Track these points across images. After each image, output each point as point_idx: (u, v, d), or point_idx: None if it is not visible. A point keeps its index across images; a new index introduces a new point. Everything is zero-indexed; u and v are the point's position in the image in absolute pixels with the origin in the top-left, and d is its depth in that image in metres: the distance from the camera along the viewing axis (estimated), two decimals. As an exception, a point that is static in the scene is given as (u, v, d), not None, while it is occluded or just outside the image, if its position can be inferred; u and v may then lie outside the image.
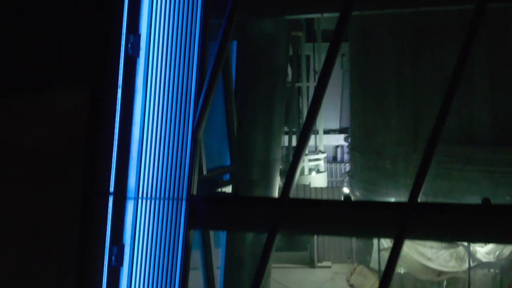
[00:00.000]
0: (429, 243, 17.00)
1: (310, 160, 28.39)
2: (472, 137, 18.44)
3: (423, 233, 11.73)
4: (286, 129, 27.48)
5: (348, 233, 14.33)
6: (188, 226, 12.89)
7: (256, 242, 15.04)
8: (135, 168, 13.11)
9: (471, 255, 15.63)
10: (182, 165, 12.94)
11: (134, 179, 13.12)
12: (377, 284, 21.83)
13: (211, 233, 17.37)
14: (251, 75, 14.34)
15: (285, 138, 27.89)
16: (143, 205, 13.12)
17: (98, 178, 12.87)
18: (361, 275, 20.79)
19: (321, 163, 29.06)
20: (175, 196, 12.96)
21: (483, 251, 15.70)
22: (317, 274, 24.82)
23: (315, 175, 28.11)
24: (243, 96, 14.71)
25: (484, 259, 15.90)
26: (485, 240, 11.86)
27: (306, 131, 12.27)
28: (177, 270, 12.98)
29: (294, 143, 28.18)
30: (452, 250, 16.22)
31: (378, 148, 21.07)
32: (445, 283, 17.40)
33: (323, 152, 29.11)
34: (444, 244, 16.76)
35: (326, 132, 33.27)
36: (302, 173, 28.36)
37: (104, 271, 13.09)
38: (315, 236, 25.82)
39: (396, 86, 20.03)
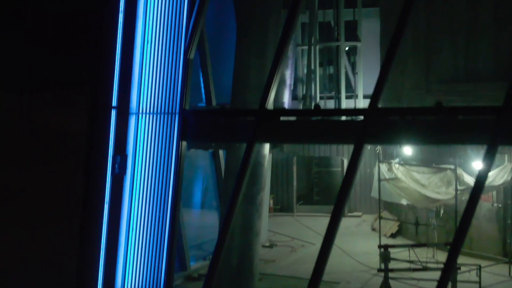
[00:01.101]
0: (421, 169, 17.83)
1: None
2: (478, 74, 19.00)
3: (383, 137, 12.67)
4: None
5: (318, 140, 15.28)
6: (180, 137, 14.35)
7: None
8: (136, 87, 14.71)
9: (458, 179, 16.30)
10: (176, 83, 14.40)
11: (136, 97, 14.74)
12: (394, 227, 22.77)
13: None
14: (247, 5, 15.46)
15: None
16: (143, 119, 14.70)
17: (103, 95, 14.50)
18: (383, 221, 21.73)
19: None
20: (170, 110, 14.46)
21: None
22: (347, 221, 25.88)
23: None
24: (240, 24, 15.90)
25: (472, 184, 16.46)
26: (440, 141, 12.60)
27: (282, 43, 13.41)
28: (171, 177, 14.46)
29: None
30: (441, 175, 16.95)
31: (398, 95, 21.79)
32: (441, 211, 18.17)
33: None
34: (433, 170, 17.53)
35: (366, 97, 33.74)
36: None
37: (108, 179, 14.79)
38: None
39: (412, 31, 20.65)
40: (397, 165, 17.51)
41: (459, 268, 15.34)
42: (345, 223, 26.34)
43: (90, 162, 14.62)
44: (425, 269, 15.67)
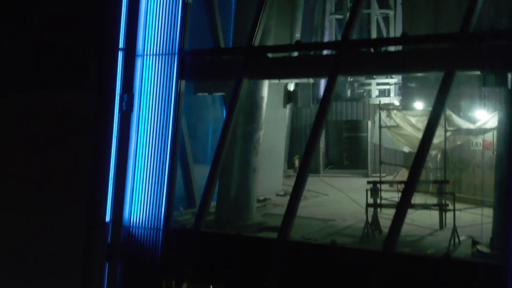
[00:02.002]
0: (415, 113, 18.45)
1: (378, 84, 29.70)
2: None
3: (355, 69, 13.56)
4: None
5: (295, 75, 16.10)
6: (179, 77, 15.65)
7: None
8: (142, 30, 16.10)
9: (447, 119, 16.81)
10: (175, 25, 15.70)
11: (141, 40, 16.14)
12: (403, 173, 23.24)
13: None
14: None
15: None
16: (147, 61, 16.08)
17: (112, 38, 15.95)
18: (401, 176, 22.38)
19: (391, 87, 30.19)
20: (171, 51, 15.77)
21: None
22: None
23: (383, 99, 29.35)
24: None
25: (464, 126, 17.02)
26: (406, 70, 13.31)
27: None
28: (171, 114, 15.79)
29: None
30: None
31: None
32: (439, 156, 18.72)
33: (392, 77, 30.15)
34: (423, 112, 18.12)
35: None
36: (369, 95, 29.93)
37: (116, 116, 16.24)
38: (369, 155, 27.69)
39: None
40: (395, 111, 18.28)
41: (447, 205, 16.08)
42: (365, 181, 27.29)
43: (100, 101, 16.13)
44: (413, 206, 16.42)
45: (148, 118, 16.18)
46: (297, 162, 28.35)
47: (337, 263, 13.23)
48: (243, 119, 16.51)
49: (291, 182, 24.68)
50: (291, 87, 21.57)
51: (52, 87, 15.93)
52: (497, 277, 11.36)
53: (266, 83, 16.63)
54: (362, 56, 13.38)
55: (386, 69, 13.51)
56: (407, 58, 12.84)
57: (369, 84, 29.70)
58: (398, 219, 12.66)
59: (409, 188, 12.68)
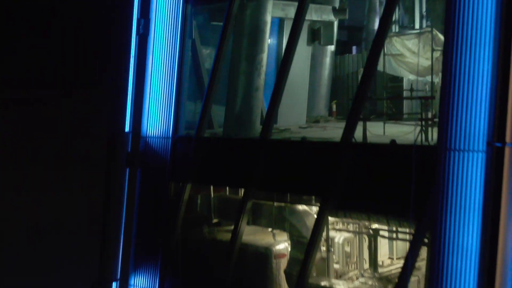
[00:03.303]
0: (408, 36, 19.40)
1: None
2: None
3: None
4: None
5: None
6: (185, 1, 17.62)
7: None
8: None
9: (434, 39, 17.69)
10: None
11: None
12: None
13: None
14: None
15: None
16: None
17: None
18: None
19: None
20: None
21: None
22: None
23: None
24: None
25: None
26: None
27: None
28: (178, 36, 17.76)
29: None
30: (424, 37, 18.43)
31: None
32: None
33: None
34: (416, 33, 19.03)
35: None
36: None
37: (133, 38, 18.40)
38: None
39: None
40: (395, 38, 19.41)
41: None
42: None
43: (118, 25, 18.34)
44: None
45: (161, 40, 18.23)
46: (334, 107, 29.71)
47: (306, 155, 14.88)
48: (246, 42, 18.29)
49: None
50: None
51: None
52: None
53: (269, 10, 18.32)
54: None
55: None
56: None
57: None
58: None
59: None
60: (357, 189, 13.98)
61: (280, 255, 16.07)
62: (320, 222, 14.42)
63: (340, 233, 16.86)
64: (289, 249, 16.12)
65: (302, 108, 24.41)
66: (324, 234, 15.89)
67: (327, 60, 25.90)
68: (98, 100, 18.58)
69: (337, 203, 14.22)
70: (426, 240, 12.89)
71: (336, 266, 16.57)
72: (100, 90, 18.50)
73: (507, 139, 11.33)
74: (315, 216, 14.89)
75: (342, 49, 30.01)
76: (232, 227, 16.10)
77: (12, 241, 18.08)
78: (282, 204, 16.22)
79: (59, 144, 18.46)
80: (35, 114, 17.98)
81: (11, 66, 17.75)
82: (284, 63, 16.03)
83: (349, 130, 14.09)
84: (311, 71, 24.39)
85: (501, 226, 11.45)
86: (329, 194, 14.19)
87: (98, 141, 18.52)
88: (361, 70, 21.99)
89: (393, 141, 13.54)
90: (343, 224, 16.75)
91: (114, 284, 18.77)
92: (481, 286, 11.52)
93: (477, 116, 11.89)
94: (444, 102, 12.41)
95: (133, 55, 18.39)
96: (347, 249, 16.73)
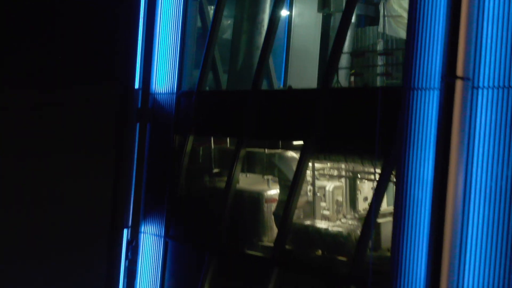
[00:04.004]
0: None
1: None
2: None
3: None
4: None
5: None
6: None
7: None
8: None
9: None
10: None
11: None
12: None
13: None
14: None
15: None
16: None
17: None
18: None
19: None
20: None
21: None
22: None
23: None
24: None
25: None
26: None
27: None
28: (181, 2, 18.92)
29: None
30: None
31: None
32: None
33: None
34: None
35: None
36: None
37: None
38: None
39: None
40: (394, -1, 20.11)
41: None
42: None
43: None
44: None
45: (168, 0, 19.44)
46: (352, 78, 30.39)
47: (291, 103, 15.86)
48: (248, 3, 19.36)
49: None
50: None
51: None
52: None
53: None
54: None
55: None
56: None
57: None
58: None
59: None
60: (334, 132, 14.88)
61: (271, 200, 17.09)
62: (302, 165, 15.38)
63: (331, 182, 17.76)
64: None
65: (313, 72, 25.25)
66: (310, 179, 16.90)
67: (320, 16, 26.57)
68: (110, 59, 19.87)
69: (318, 146, 15.16)
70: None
71: (326, 212, 17.49)
72: (112, 50, 19.77)
73: (458, 73, 12.04)
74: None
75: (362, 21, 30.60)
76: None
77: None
78: (272, 151, 17.25)
79: (73, 103, 19.86)
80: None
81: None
82: (272, 19, 16.91)
83: (327, 78, 15.00)
84: (330, 42, 25.11)
85: (452, 158, 12.20)
86: (310, 138, 15.15)
87: (110, 99, 19.85)
88: (380, 41, 22.97)
89: (365, 85, 14.39)
90: (329, 171, 17.64)
91: (125, 230, 20.16)
92: (435, 212, 12.29)
93: (435, 56, 12.65)
94: (409, 45, 13.21)
95: (142, 16, 19.62)
96: (339, 198, 17.61)
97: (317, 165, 17.10)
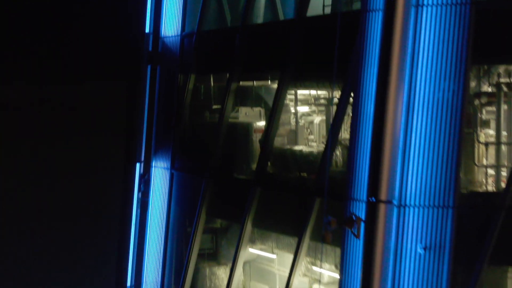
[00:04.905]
0: None
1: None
2: None
3: None
4: None
5: None
6: None
7: None
8: None
9: None
10: None
11: None
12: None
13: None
14: None
15: None
16: None
17: None
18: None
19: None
20: None
21: None
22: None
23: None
24: None
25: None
26: None
27: None
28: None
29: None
30: None
31: None
32: None
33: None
34: None
35: None
36: None
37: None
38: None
39: None
40: None
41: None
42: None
43: None
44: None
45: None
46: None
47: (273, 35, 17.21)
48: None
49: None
50: None
51: None
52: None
53: None
54: None
55: None
56: None
57: None
58: None
59: None
60: (307, 60, 16.11)
61: (259, 130, 18.47)
62: (280, 93, 16.67)
63: (318, 116, 18.99)
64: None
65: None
66: (293, 108, 18.22)
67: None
68: (123, 4, 21.59)
69: (292, 75, 16.41)
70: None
71: (313, 144, 18.77)
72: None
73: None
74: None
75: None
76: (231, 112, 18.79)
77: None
78: (260, 84, 18.65)
79: (86, 47, 21.77)
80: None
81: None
82: None
83: (300, 6, 16.17)
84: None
85: (393, 72, 13.28)
86: (286, 67, 16.42)
87: (122, 43, 21.64)
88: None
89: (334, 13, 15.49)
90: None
91: (138, 164, 21.97)
92: (376, 122, 13.40)
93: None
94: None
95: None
96: (323, 129, 18.82)
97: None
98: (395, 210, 13.24)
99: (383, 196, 13.17)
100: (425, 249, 13.00)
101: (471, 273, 13.02)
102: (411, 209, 13.18)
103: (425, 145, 13.20)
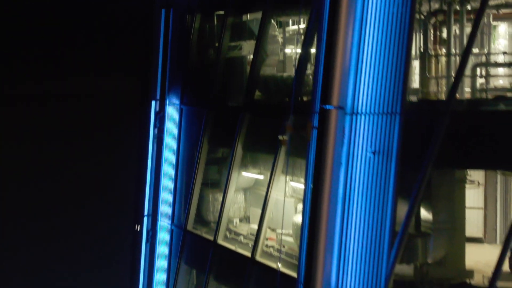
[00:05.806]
0: None
1: None
2: None
3: None
4: None
5: None
6: None
7: None
8: None
9: None
10: None
11: None
12: None
13: None
14: None
15: None
16: None
17: None
18: None
19: None
20: None
21: None
22: None
23: None
24: None
25: None
26: None
27: None
28: None
29: None
30: None
31: None
32: None
33: None
34: None
35: None
36: None
37: None
38: None
39: None
40: None
41: None
42: None
43: None
44: None
45: None
46: None
47: None
48: None
49: None
50: None
51: None
52: None
53: None
54: None
55: None
56: None
57: None
58: None
59: None
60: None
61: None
62: (264, 22, 17.85)
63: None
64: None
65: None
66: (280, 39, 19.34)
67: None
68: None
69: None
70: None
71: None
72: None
73: None
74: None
75: None
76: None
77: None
78: (252, 17, 19.89)
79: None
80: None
81: None
82: None
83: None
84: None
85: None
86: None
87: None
88: None
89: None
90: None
91: (153, 102, 23.59)
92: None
93: None
94: None
95: None
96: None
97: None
98: (348, 118, 14.19)
99: (334, 102, 14.11)
100: (374, 153, 13.91)
101: (417, 175, 13.84)
102: (362, 116, 14.08)
103: (376, 57, 14.06)
